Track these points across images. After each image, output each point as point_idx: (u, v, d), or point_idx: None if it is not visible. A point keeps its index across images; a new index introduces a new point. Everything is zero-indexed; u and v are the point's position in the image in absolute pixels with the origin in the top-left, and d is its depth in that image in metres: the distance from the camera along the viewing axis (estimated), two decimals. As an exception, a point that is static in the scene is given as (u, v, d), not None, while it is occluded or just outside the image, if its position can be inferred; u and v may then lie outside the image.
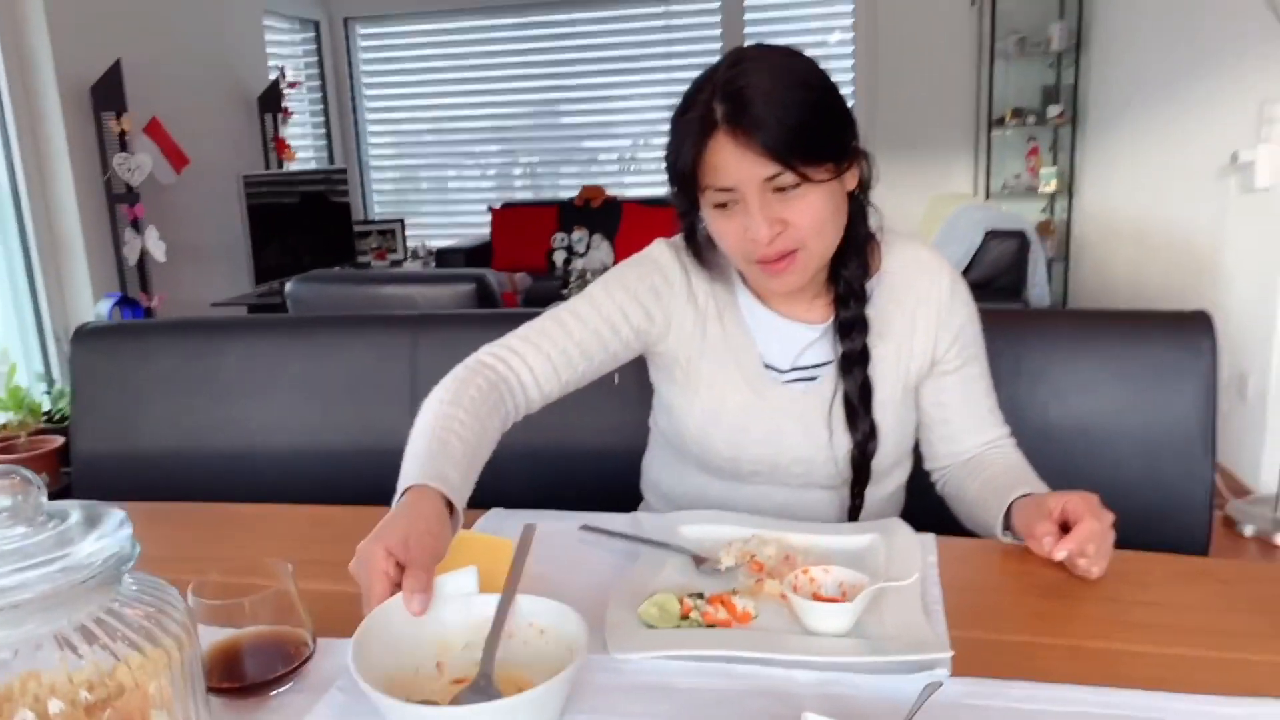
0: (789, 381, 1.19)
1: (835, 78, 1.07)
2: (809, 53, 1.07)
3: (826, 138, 1.04)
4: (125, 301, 3.63)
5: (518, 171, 6.30)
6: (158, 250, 3.87)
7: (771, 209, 1.04)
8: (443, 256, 5.60)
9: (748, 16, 5.63)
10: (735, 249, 1.10)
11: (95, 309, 3.67)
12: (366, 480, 1.10)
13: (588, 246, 5.53)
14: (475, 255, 5.58)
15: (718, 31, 5.68)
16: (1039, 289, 3.61)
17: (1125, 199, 4.46)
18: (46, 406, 3.15)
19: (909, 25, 5.36)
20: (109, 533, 0.60)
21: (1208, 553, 1.35)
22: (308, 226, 5.01)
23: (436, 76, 6.19)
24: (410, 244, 5.85)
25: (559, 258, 5.59)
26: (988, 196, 5.30)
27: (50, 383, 3.50)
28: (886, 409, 1.17)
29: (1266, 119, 2.92)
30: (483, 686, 0.72)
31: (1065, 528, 0.97)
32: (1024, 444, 1.22)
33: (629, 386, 1.37)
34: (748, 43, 1.12)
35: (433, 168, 6.39)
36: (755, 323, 1.20)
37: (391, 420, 1.52)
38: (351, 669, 0.68)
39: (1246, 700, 0.75)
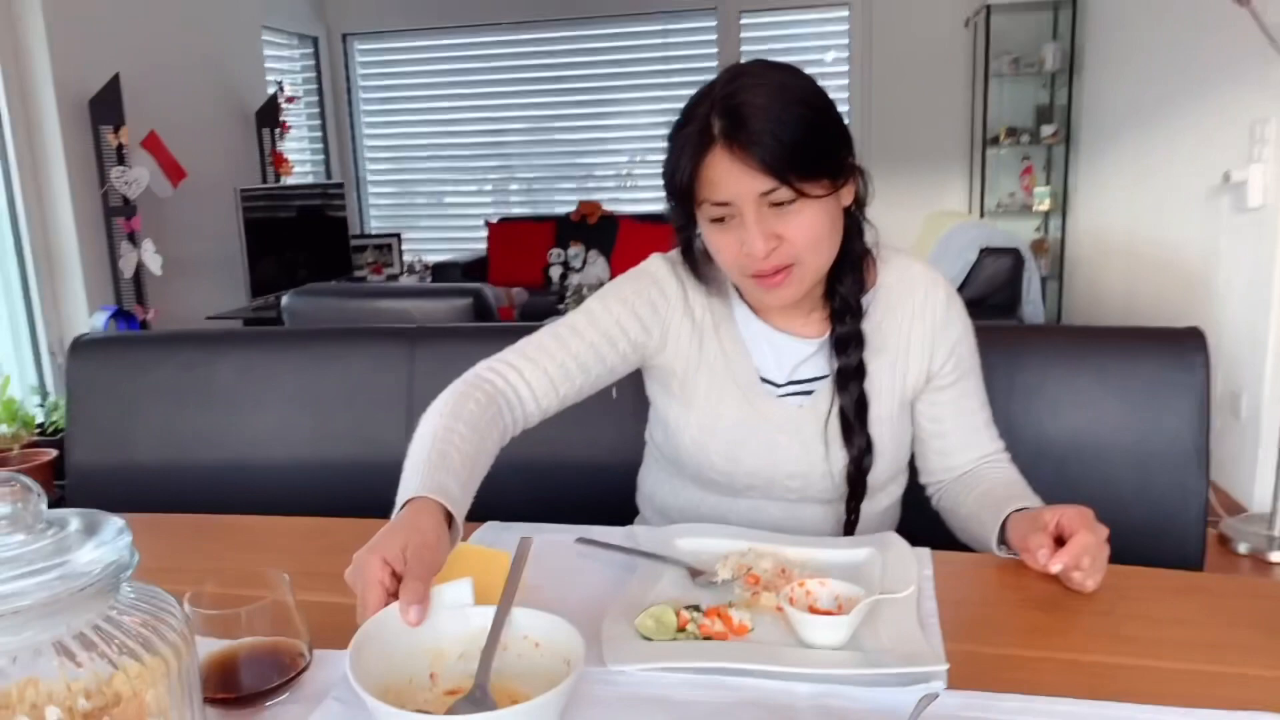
0: (784, 396, 1.19)
1: (831, 96, 1.08)
2: (805, 71, 1.08)
3: (823, 154, 1.05)
4: (121, 314, 3.63)
5: (514, 187, 6.32)
6: (154, 263, 3.87)
7: (768, 224, 1.05)
8: (439, 271, 5.60)
9: (744, 35, 5.67)
10: (731, 263, 1.10)
11: (90, 322, 3.67)
12: (362, 493, 1.10)
13: (584, 262, 5.54)
14: (472, 270, 5.58)
15: (714, 50, 5.72)
16: (1033, 306, 3.62)
17: (1119, 217, 4.49)
18: (40, 419, 3.14)
19: (904, 44, 5.42)
20: (108, 540, 0.60)
21: (1202, 569, 1.35)
22: (304, 241, 5.01)
23: (434, 92, 6.22)
24: (407, 259, 5.85)
25: (555, 273, 5.60)
26: (982, 214, 5.33)
27: (44, 395, 3.49)
28: (882, 424, 1.17)
29: (1258, 139, 2.95)
30: (478, 698, 0.72)
31: (1060, 541, 0.97)
32: (1019, 459, 1.23)
33: (625, 400, 1.37)
34: (744, 60, 1.13)
35: (430, 183, 6.41)
36: (751, 337, 1.20)
37: (387, 433, 1.53)
38: (349, 676, 0.68)
39: (1240, 715, 0.75)
